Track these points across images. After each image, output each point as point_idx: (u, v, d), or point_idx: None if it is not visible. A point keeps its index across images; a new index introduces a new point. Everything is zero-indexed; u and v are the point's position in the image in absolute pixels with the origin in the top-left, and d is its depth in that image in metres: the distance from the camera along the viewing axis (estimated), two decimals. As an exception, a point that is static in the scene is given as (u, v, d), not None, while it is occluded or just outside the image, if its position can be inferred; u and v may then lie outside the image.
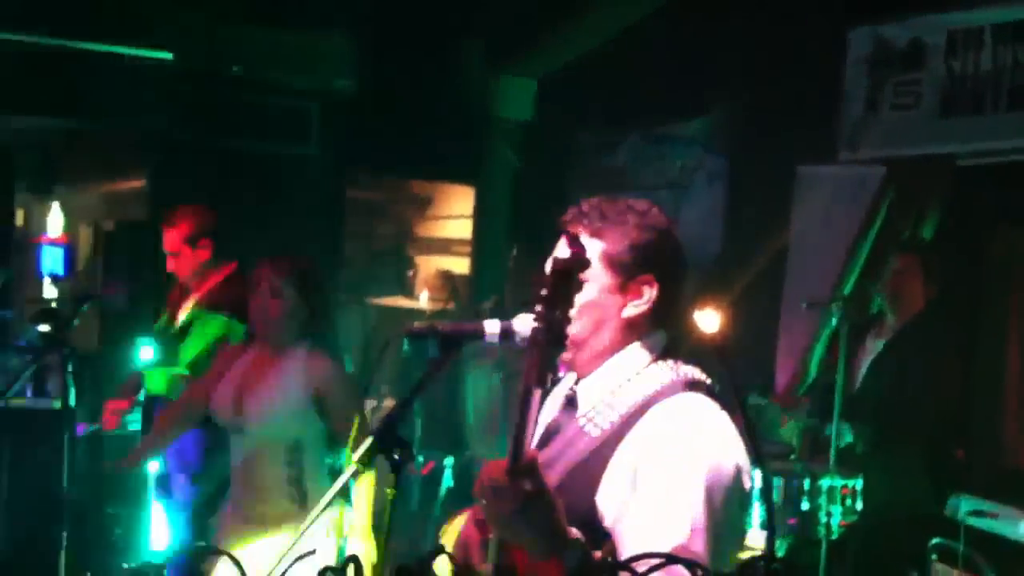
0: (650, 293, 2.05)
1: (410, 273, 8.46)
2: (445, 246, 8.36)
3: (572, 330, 1.84)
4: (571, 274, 1.77)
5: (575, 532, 1.80)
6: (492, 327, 2.13)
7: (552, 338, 1.73)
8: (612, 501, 1.93)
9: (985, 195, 5.15)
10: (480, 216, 7.70)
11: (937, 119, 5.25)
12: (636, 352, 2.08)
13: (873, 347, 4.83)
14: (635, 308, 2.06)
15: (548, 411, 2.17)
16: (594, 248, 2.04)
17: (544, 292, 1.76)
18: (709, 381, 2.06)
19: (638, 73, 6.33)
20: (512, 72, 7.36)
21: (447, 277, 7.72)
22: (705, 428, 1.97)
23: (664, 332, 2.10)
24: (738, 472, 1.97)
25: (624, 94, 6.58)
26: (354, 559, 1.43)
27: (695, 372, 2.06)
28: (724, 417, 2.01)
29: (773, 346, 5.87)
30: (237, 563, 1.62)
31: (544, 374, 1.73)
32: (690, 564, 1.57)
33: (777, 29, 5.60)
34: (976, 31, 5.11)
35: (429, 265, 8.29)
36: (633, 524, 1.89)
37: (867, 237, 5.49)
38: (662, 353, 2.08)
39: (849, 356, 4.69)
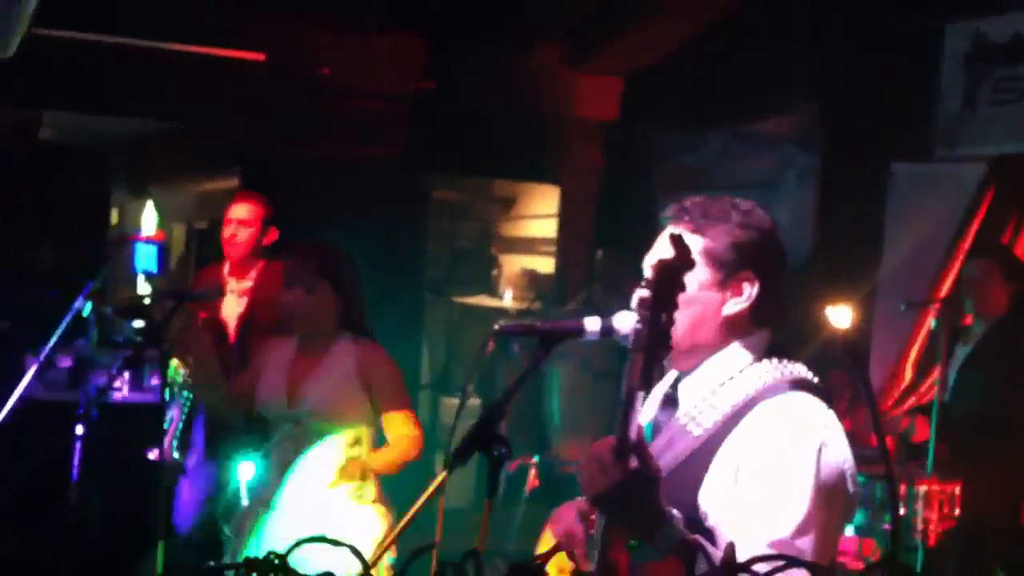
0: (750, 290, 2.04)
1: (494, 272, 8.46)
2: (529, 245, 8.34)
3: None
4: (675, 276, 1.75)
5: (676, 513, 1.80)
6: (592, 325, 2.11)
7: (656, 340, 1.71)
8: (714, 500, 1.92)
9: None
10: (564, 215, 7.67)
11: (1040, 115, 5.10)
12: (737, 351, 2.05)
13: (962, 354, 4.74)
14: (735, 305, 2.04)
15: (648, 409, 2.15)
16: (695, 244, 2.01)
17: (647, 293, 1.74)
18: (816, 380, 2.02)
19: (725, 69, 6.24)
20: (596, 71, 7.32)
21: (532, 276, 7.71)
22: (812, 427, 1.93)
23: (767, 332, 2.07)
24: (842, 473, 1.94)
25: (710, 91, 6.49)
26: (474, 554, 1.41)
27: (801, 370, 2.03)
28: (831, 416, 1.97)
29: (867, 347, 5.74)
30: (359, 554, 1.59)
31: (649, 377, 1.72)
32: (812, 567, 1.53)
33: (872, 23, 5.48)
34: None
35: (513, 264, 8.28)
36: (734, 519, 1.87)
37: (965, 237, 5.35)
38: (766, 352, 2.05)
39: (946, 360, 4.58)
